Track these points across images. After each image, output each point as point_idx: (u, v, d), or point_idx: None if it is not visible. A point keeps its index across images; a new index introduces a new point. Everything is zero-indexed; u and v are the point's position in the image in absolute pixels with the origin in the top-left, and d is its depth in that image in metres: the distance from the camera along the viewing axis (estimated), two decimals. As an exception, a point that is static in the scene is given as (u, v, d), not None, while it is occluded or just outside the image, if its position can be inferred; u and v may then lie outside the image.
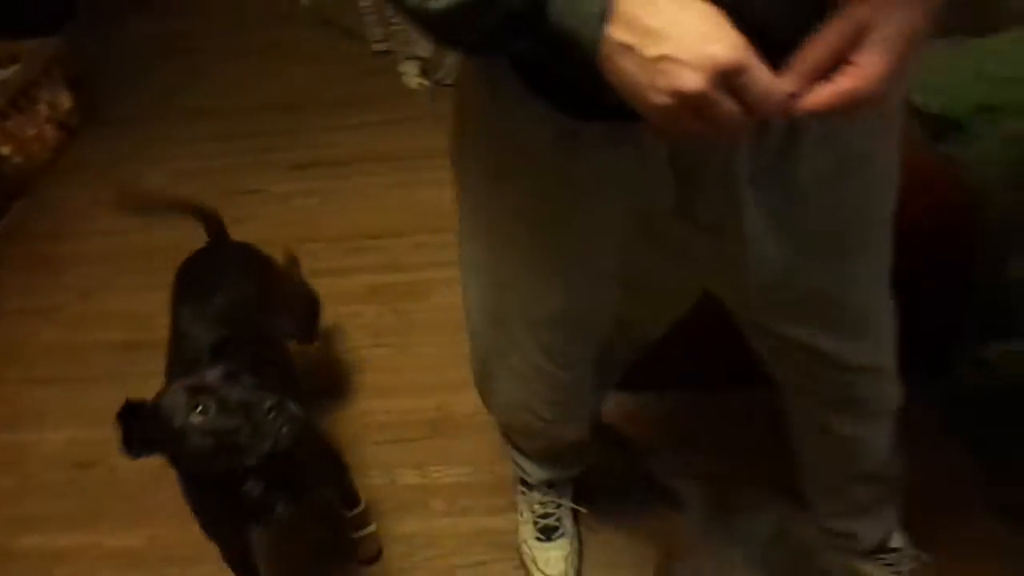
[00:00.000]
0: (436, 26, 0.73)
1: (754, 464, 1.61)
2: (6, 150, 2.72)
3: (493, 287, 1.13)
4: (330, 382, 1.98)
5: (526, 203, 0.99)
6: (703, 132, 0.67)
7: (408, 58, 2.99)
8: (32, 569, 1.70)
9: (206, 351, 1.23)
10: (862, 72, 0.65)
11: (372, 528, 1.62)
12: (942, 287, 1.53)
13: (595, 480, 1.65)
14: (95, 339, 2.18)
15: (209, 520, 1.31)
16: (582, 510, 1.62)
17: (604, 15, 0.64)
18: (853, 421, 1.22)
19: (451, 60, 2.77)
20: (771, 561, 1.45)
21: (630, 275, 1.06)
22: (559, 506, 1.58)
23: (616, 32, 0.64)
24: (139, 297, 2.20)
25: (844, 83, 0.66)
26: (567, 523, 1.59)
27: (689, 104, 0.64)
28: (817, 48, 0.66)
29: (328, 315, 1.98)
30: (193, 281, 1.58)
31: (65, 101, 2.98)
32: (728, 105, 0.64)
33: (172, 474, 1.25)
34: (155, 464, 1.18)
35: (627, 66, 0.65)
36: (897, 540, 1.43)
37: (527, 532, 1.59)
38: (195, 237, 1.69)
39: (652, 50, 0.63)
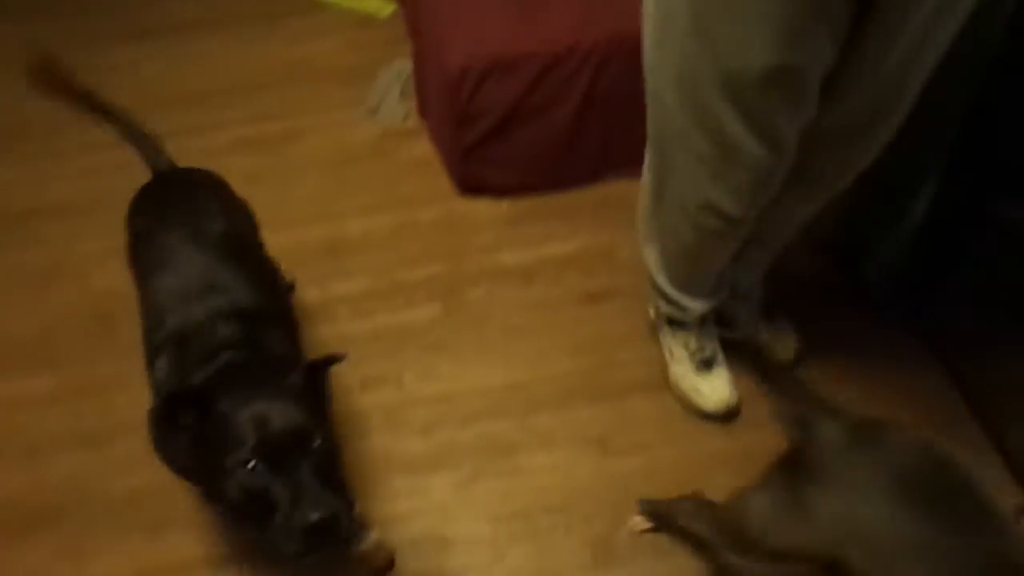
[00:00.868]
0: None
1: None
2: None
3: (693, 37, 1.09)
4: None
5: None
6: None
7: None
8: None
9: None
10: None
11: (375, 536, 1.44)
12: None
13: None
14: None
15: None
16: (736, 337, 1.70)
17: None
18: (824, 196, 1.41)
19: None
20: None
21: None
22: (712, 339, 1.67)
23: None
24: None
25: None
26: (720, 353, 1.67)
27: None
28: None
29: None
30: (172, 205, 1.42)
31: None
32: None
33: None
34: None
35: None
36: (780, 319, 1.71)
37: (684, 369, 1.66)
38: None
39: None
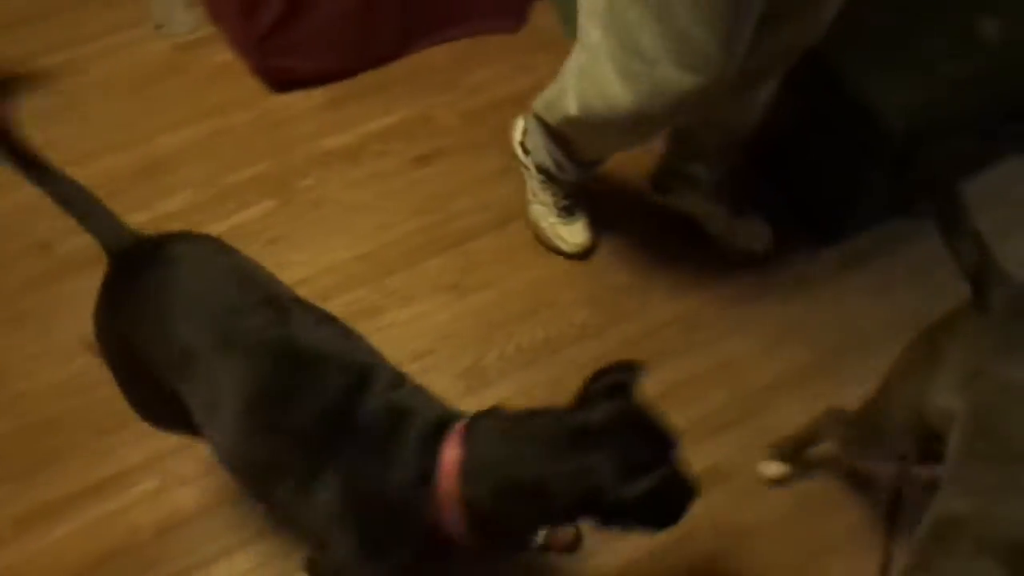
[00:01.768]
0: None
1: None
2: None
3: None
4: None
5: None
6: None
7: None
8: None
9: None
10: None
11: None
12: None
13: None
14: None
15: None
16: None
17: None
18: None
19: None
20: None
21: None
22: (579, 192, 1.73)
23: None
24: None
25: None
26: (582, 202, 1.76)
27: None
28: None
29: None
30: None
31: None
32: None
33: None
34: None
35: None
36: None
37: (546, 212, 1.74)
38: None
39: None
